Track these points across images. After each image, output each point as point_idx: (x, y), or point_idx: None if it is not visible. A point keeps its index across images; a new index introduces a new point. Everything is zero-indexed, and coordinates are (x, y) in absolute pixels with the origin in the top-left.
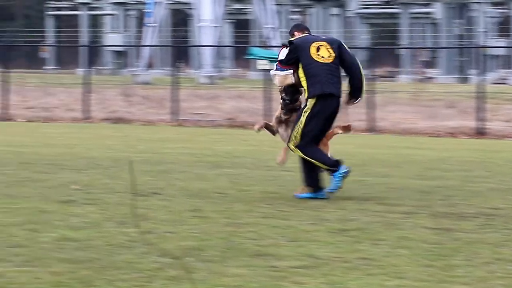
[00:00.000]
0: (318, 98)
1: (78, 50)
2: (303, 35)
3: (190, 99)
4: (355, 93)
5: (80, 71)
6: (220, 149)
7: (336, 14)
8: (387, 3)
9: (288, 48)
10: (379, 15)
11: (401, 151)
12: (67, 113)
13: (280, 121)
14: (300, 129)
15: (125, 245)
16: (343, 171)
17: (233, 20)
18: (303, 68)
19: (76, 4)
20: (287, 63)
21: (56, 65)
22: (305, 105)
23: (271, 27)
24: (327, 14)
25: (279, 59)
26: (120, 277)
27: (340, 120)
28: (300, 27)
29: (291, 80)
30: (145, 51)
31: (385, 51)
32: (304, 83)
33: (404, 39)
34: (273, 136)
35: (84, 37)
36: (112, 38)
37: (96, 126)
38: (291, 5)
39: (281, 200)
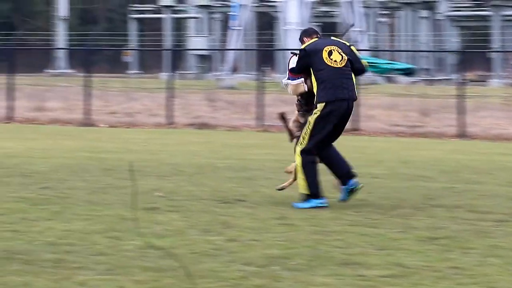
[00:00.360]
0: (333, 103)
1: (162, 54)
2: (313, 40)
3: (276, 104)
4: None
5: (163, 75)
6: None
7: (425, 17)
8: (478, 5)
9: (298, 55)
10: (470, 18)
11: (492, 158)
12: (150, 118)
13: (299, 125)
14: (308, 131)
15: (209, 253)
16: (318, 203)
17: (320, 23)
18: (314, 73)
19: (159, 7)
20: (298, 71)
21: (139, 69)
22: (315, 107)
23: (359, 30)
24: (416, 17)
25: (289, 68)
26: (204, 286)
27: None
28: (309, 32)
29: (303, 88)
30: (230, 55)
31: (476, 54)
32: (315, 88)
33: (496, 42)
34: (290, 142)
35: (167, 40)
36: (196, 42)
37: (180, 132)
38: (379, 7)
39: (369, 208)
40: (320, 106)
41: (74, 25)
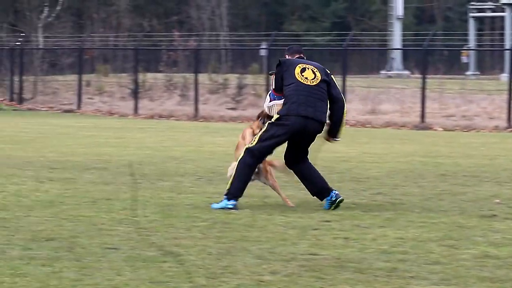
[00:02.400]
0: (289, 117)
1: (502, 54)
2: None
3: None
4: (333, 130)
5: (503, 76)
6: None
7: None
8: None
9: (276, 69)
10: None
11: None
12: (489, 121)
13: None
14: (260, 133)
15: None
16: (228, 206)
17: None
18: (284, 87)
19: (500, 5)
20: (280, 88)
21: (477, 70)
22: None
23: None
24: None
25: (273, 87)
26: None
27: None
28: (291, 51)
29: None
30: None
31: None
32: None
33: None
34: None
35: (508, 40)
36: None
37: None
38: None
39: None
40: (275, 116)
41: (409, 25)
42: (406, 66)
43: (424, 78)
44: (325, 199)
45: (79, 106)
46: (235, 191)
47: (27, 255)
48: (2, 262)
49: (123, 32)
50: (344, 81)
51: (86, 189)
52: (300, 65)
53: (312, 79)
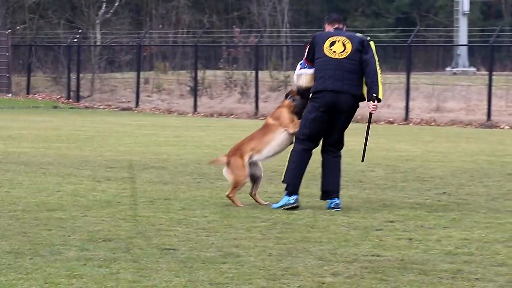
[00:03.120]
0: (319, 92)
1: None
2: (328, 30)
3: None
4: (371, 90)
5: None
6: None
7: None
8: None
9: (310, 42)
10: None
11: None
12: None
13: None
14: (302, 121)
15: None
16: (289, 202)
17: None
18: (315, 61)
19: None
20: (311, 60)
21: None
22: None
23: None
24: None
25: (305, 56)
26: None
27: None
28: (331, 19)
29: None
30: None
31: None
32: None
33: None
34: None
35: None
36: None
37: None
38: None
39: None
40: (311, 95)
41: (475, 20)
42: (472, 63)
43: (490, 75)
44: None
45: (137, 104)
46: (289, 180)
47: (84, 256)
48: (58, 263)
49: (182, 28)
50: (408, 78)
51: (144, 188)
52: (330, 38)
53: (341, 52)
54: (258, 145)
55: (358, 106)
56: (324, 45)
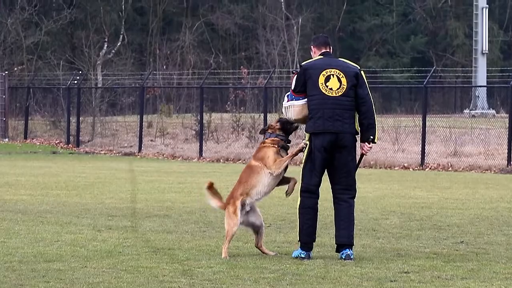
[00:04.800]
0: (317, 134)
1: None
2: (317, 58)
3: None
4: (367, 132)
5: None
6: None
7: None
8: None
9: (298, 72)
10: None
11: None
12: None
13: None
14: (303, 166)
15: None
16: (301, 255)
17: None
18: (308, 97)
19: None
20: (300, 91)
21: None
22: (305, 138)
23: None
24: None
25: (292, 87)
26: None
27: None
28: (318, 42)
29: (307, 111)
30: None
31: None
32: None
33: None
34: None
35: None
36: None
37: None
38: None
39: None
40: (307, 136)
41: (495, 60)
42: (491, 105)
43: (511, 118)
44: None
45: (140, 149)
46: (302, 239)
47: None
48: None
49: (188, 69)
50: (424, 120)
51: (147, 238)
52: (324, 72)
53: (337, 88)
54: (246, 188)
55: (356, 140)
56: (319, 81)
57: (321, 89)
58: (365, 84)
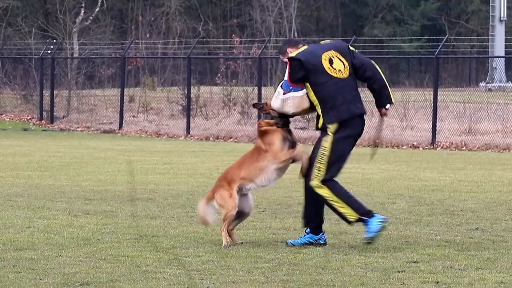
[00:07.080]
0: (346, 122)
1: None
2: (303, 48)
3: None
4: (382, 96)
5: None
6: None
7: None
8: None
9: (290, 66)
10: None
11: None
12: None
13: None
14: (325, 158)
15: None
16: (384, 220)
17: None
18: (314, 88)
19: None
20: (298, 80)
21: None
22: (324, 132)
23: None
24: None
25: (288, 77)
26: None
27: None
28: (292, 42)
29: (307, 103)
30: None
31: None
32: (319, 108)
33: None
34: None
35: None
36: None
37: None
38: None
39: None
40: (332, 127)
41: None
42: (510, 78)
43: None
44: (314, 235)
45: (120, 126)
46: (364, 210)
47: None
48: None
49: (173, 38)
50: (435, 95)
51: (128, 224)
52: (324, 56)
53: (344, 69)
54: (251, 172)
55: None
56: (324, 65)
57: (331, 73)
58: (359, 53)
